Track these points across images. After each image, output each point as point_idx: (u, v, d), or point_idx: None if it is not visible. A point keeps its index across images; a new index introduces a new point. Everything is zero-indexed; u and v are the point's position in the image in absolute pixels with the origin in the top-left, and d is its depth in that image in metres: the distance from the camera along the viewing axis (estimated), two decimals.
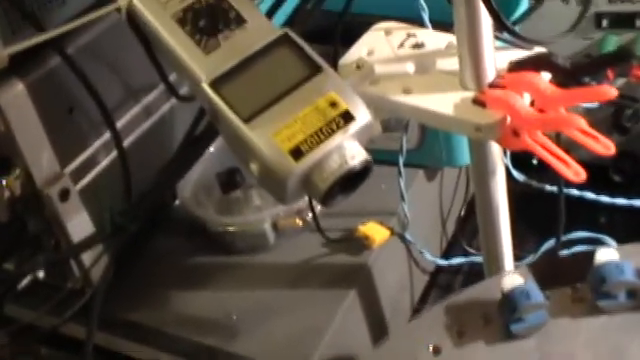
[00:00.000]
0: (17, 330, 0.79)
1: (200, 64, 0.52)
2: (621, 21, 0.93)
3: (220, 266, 0.86)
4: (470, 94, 0.57)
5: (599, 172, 0.77)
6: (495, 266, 0.71)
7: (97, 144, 0.78)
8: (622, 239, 0.60)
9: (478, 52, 0.56)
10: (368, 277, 0.82)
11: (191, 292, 0.83)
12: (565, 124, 0.49)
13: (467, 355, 0.54)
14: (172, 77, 0.67)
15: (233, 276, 0.84)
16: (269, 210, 0.84)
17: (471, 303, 0.56)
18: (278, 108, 0.50)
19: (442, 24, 0.76)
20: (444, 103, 0.57)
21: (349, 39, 0.65)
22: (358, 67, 0.62)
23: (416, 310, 0.94)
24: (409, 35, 0.65)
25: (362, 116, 0.50)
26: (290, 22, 0.60)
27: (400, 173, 0.82)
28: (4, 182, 0.69)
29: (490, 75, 0.57)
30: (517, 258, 0.73)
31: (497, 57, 0.57)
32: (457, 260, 0.96)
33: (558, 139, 0.53)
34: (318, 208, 0.83)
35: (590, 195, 0.88)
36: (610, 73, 0.53)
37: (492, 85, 0.56)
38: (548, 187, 0.88)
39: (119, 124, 0.80)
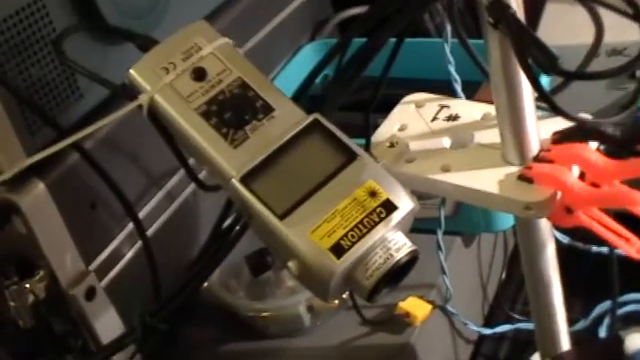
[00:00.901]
0: None
1: (229, 159, 0.49)
2: None
3: (255, 352, 0.82)
4: (514, 169, 0.53)
5: None
6: (548, 338, 0.67)
7: (121, 236, 0.75)
8: None
9: (520, 124, 0.52)
10: (412, 357, 0.78)
11: None
12: (626, 201, 0.46)
13: None
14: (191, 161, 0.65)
15: None
16: (303, 291, 0.80)
17: None
18: (314, 202, 0.47)
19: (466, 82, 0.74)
20: (487, 180, 0.53)
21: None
22: (392, 145, 0.59)
23: None
24: (442, 107, 0.62)
25: (405, 204, 0.47)
26: (321, 101, 0.57)
27: (439, 247, 0.78)
28: (27, 286, 0.66)
29: (534, 148, 0.53)
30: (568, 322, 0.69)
31: (539, 128, 0.54)
32: (502, 328, 0.92)
33: None
34: None
35: None
36: None
37: (538, 159, 0.53)
38: (595, 248, 0.84)
39: (142, 213, 0.78)
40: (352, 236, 0.46)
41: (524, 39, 0.38)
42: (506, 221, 0.85)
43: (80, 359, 0.71)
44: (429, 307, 0.79)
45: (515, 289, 1.02)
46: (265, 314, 0.81)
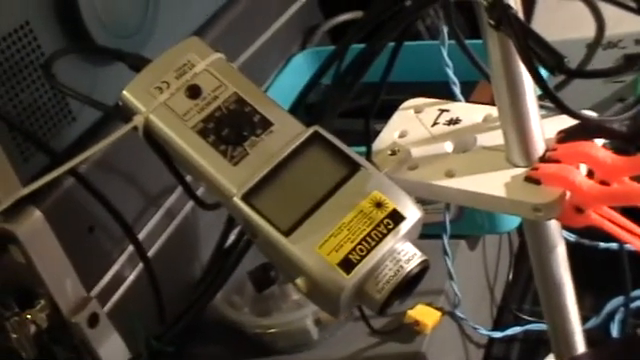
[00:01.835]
0: None
1: (229, 177, 0.48)
2: None
3: None
4: (520, 171, 0.52)
5: None
6: (563, 339, 0.66)
7: (122, 259, 0.74)
8: None
9: (524, 125, 0.51)
10: None
11: None
12: (639, 198, 0.45)
13: None
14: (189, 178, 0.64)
15: None
16: (310, 305, 0.79)
17: None
18: (319, 216, 0.46)
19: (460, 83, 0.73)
20: (494, 184, 0.52)
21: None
22: (393, 153, 0.58)
23: None
24: (442, 111, 0.61)
25: (412, 213, 0.46)
26: (319, 110, 0.55)
27: (446, 252, 0.77)
28: (29, 316, 0.64)
29: (540, 148, 0.52)
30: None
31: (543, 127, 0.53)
32: (512, 330, 0.90)
33: None
34: None
35: None
36: None
37: (544, 159, 0.52)
38: (602, 244, 0.82)
39: (142, 234, 0.76)
40: (360, 250, 0.45)
41: (528, 39, 0.37)
42: (511, 222, 0.84)
43: None
44: (438, 314, 0.78)
45: (522, 289, 1.01)
46: (272, 330, 0.79)
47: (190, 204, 0.82)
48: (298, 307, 0.80)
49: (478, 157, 0.55)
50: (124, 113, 0.51)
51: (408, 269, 0.45)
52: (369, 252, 0.45)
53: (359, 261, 0.44)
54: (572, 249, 0.65)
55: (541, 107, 0.54)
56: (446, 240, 0.77)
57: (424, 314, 0.77)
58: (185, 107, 0.50)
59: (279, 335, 0.80)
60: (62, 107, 0.67)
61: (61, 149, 0.67)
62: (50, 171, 0.63)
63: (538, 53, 0.37)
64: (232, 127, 0.49)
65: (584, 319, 0.82)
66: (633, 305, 0.85)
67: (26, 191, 0.47)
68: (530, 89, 0.50)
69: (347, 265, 0.44)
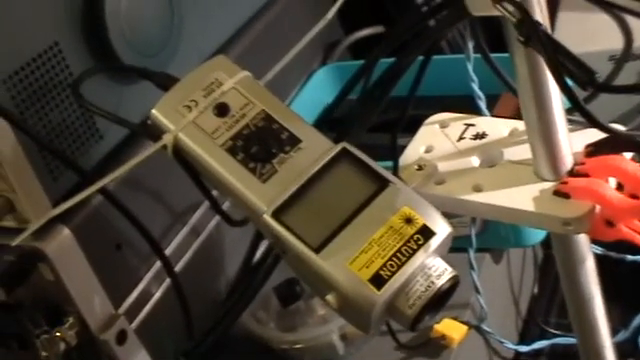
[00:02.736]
0: None
1: (258, 194, 0.48)
2: None
3: None
4: (549, 185, 0.52)
5: None
6: (593, 353, 0.65)
7: (149, 276, 0.74)
8: None
9: (552, 139, 0.51)
10: None
11: None
12: None
13: None
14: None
15: None
16: (336, 320, 0.79)
17: None
18: (349, 232, 0.46)
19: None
20: (522, 198, 0.52)
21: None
22: (420, 168, 0.58)
23: None
24: (467, 125, 0.60)
25: (442, 229, 0.46)
26: (348, 125, 0.55)
27: (472, 266, 0.77)
28: (58, 334, 0.65)
29: (568, 162, 0.52)
30: None
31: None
32: (538, 344, 0.90)
33: None
34: None
35: None
36: None
37: (572, 173, 0.51)
38: (630, 257, 0.82)
39: (168, 250, 0.77)
40: (391, 265, 0.45)
41: (558, 55, 0.37)
42: (536, 235, 0.83)
43: None
44: (465, 328, 0.78)
45: (547, 302, 1.01)
46: (298, 345, 0.80)
47: (215, 220, 0.83)
48: (324, 322, 0.80)
49: (505, 171, 0.55)
50: (152, 132, 0.52)
51: (439, 284, 0.45)
52: (400, 268, 0.45)
53: (390, 277, 0.44)
54: (599, 262, 0.65)
55: (568, 121, 0.54)
56: (472, 253, 0.77)
57: (451, 328, 0.77)
58: (214, 125, 0.50)
59: (305, 350, 0.80)
60: (90, 126, 0.68)
61: (89, 167, 0.68)
62: (79, 189, 0.63)
63: (569, 68, 0.37)
64: (261, 144, 0.49)
65: (613, 332, 0.81)
66: None
67: (57, 211, 0.48)
68: (558, 103, 0.50)
69: (378, 281, 0.44)
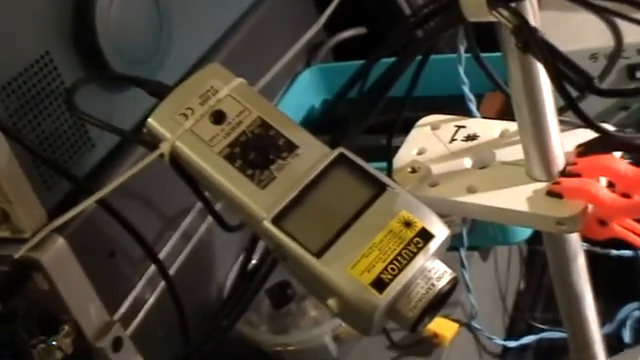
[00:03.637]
0: None
1: (258, 201, 0.48)
2: None
3: None
4: (542, 185, 0.53)
5: None
6: (583, 349, 0.66)
7: (142, 282, 0.75)
8: None
9: (545, 141, 0.52)
10: None
11: None
12: None
13: None
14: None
15: None
16: (328, 321, 0.80)
17: None
18: (349, 237, 0.46)
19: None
20: (516, 199, 0.53)
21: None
22: (413, 170, 0.58)
23: None
24: (458, 127, 0.61)
25: (440, 231, 0.47)
26: (344, 127, 0.56)
27: (463, 264, 0.78)
28: (54, 343, 0.65)
29: (560, 163, 0.53)
30: None
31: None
32: (526, 339, 0.91)
33: None
34: None
35: None
36: None
37: (565, 173, 0.52)
38: (614, 252, 0.83)
39: (161, 256, 0.77)
40: (392, 269, 0.45)
41: (556, 62, 0.38)
42: (523, 232, 0.85)
43: None
44: (456, 326, 0.79)
45: (532, 297, 1.02)
46: (291, 348, 0.80)
47: (205, 225, 0.83)
48: (316, 324, 0.81)
49: (498, 172, 0.56)
50: (148, 140, 0.52)
51: (440, 286, 0.46)
52: (401, 271, 0.45)
53: (391, 280, 0.45)
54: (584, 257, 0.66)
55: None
56: (463, 253, 0.78)
57: (442, 327, 0.78)
58: (211, 133, 0.50)
59: (298, 353, 0.80)
60: (82, 134, 0.68)
61: (82, 175, 0.68)
62: (73, 197, 0.64)
63: (567, 74, 0.38)
64: (258, 151, 0.50)
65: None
66: None
67: (57, 223, 0.48)
68: (550, 105, 0.51)
69: (380, 285, 0.45)
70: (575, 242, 0.57)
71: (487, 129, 0.60)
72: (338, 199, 0.48)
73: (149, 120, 0.51)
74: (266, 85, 1.01)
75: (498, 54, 0.50)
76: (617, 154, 0.52)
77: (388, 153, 0.58)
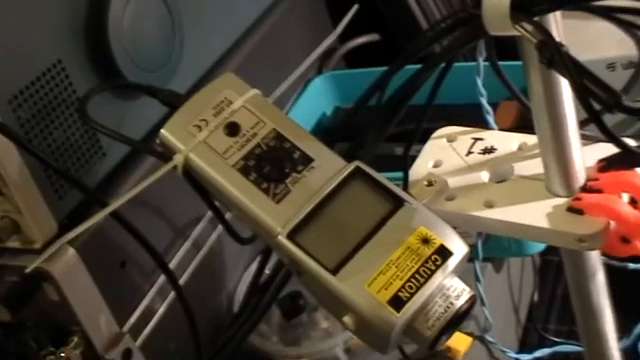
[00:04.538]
0: None
1: (273, 215, 0.47)
2: None
3: None
4: (562, 201, 0.52)
5: None
6: (599, 359, 0.65)
7: (152, 292, 0.74)
8: None
9: (566, 155, 0.51)
10: None
11: None
12: None
13: None
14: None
15: None
16: (340, 333, 0.79)
17: None
18: (366, 253, 0.45)
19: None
20: (535, 214, 0.52)
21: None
22: (430, 184, 0.57)
23: None
24: (475, 139, 0.60)
25: (459, 248, 0.46)
26: (362, 137, 0.55)
27: (477, 277, 0.77)
28: (63, 354, 0.64)
29: (581, 178, 0.52)
30: None
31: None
32: (539, 353, 0.90)
33: None
34: None
35: None
36: None
37: (586, 189, 0.51)
38: (631, 265, 0.82)
39: (171, 265, 0.76)
40: (410, 287, 0.44)
41: (583, 79, 0.37)
42: (538, 245, 0.83)
43: None
44: (469, 339, 0.78)
45: (546, 309, 1.01)
46: (302, 359, 0.79)
47: (216, 234, 0.82)
48: (328, 336, 0.80)
49: (517, 187, 0.55)
50: (160, 151, 0.51)
51: (458, 305, 0.45)
52: (418, 289, 0.44)
53: (409, 299, 0.44)
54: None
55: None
56: (478, 266, 0.77)
57: (456, 340, 0.77)
58: (225, 145, 0.49)
59: None
60: (93, 143, 0.67)
61: (93, 184, 0.67)
62: (84, 207, 0.63)
63: (594, 91, 0.37)
64: (273, 164, 0.49)
65: None
66: None
67: (70, 236, 0.47)
68: (572, 119, 0.50)
69: (397, 303, 0.44)
70: (595, 258, 0.56)
71: (505, 142, 0.59)
72: (354, 214, 0.47)
73: (162, 131, 0.51)
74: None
75: (515, 63, 0.49)
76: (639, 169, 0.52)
77: (405, 165, 0.57)
